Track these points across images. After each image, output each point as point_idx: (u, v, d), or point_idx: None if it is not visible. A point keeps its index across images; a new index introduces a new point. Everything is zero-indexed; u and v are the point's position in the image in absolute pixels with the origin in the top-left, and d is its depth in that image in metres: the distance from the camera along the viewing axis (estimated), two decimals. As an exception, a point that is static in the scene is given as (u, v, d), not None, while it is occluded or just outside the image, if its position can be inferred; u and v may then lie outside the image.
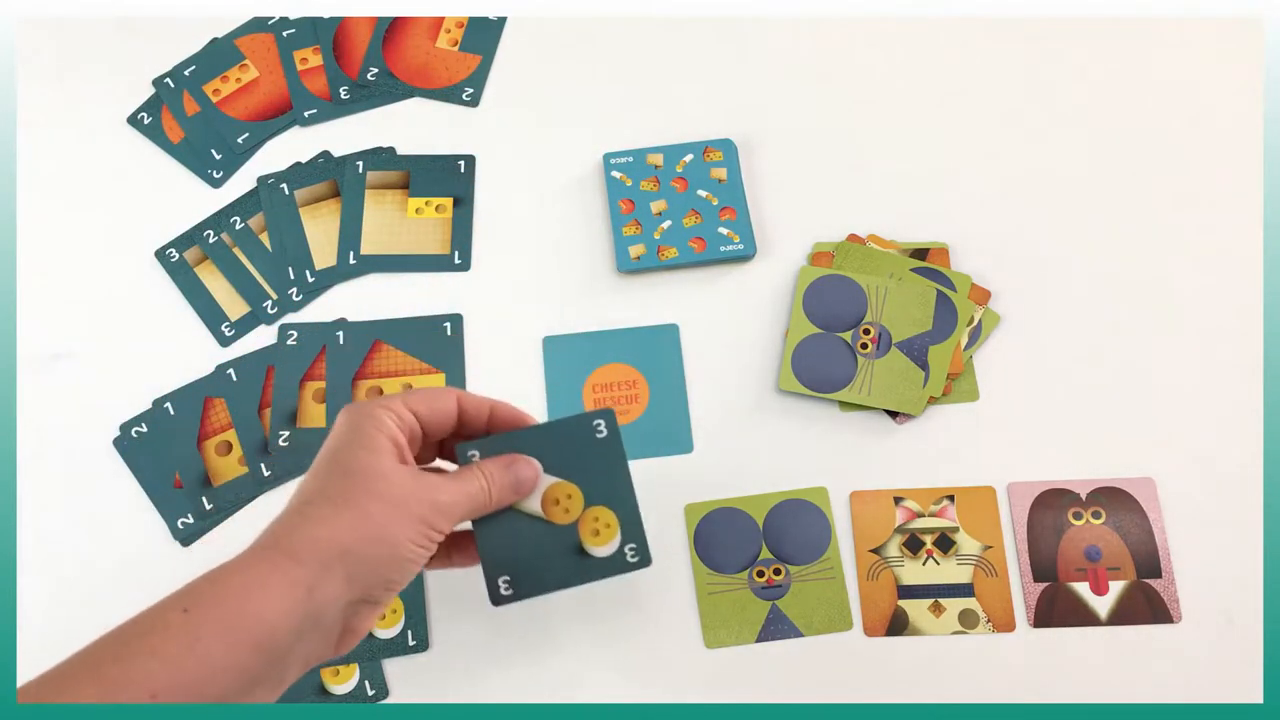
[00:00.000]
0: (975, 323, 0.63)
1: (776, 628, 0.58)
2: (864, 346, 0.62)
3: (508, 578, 0.46)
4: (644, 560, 0.48)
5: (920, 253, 0.65)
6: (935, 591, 0.58)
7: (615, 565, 0.47)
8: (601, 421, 0.48)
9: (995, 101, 0.69)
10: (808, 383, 0.62)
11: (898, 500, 0.60)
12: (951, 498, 0.60)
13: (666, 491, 0.61)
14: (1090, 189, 0.67)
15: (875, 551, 0.59)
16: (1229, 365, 0.62)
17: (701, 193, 0.67)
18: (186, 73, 0.73)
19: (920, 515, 0.60)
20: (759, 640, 0.58)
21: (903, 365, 0.62)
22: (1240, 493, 0.59)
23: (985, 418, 0.62)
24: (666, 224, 0.66)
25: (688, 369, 0.63)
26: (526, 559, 0.47)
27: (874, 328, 0.63)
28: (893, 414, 0.62)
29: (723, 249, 0.65)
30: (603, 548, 0.47)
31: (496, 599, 0.46)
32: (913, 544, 0.59)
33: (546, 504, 0.47)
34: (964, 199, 0.67)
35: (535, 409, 0.63)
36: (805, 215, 0.67)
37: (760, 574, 0.59)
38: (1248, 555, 0.58)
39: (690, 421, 0.62)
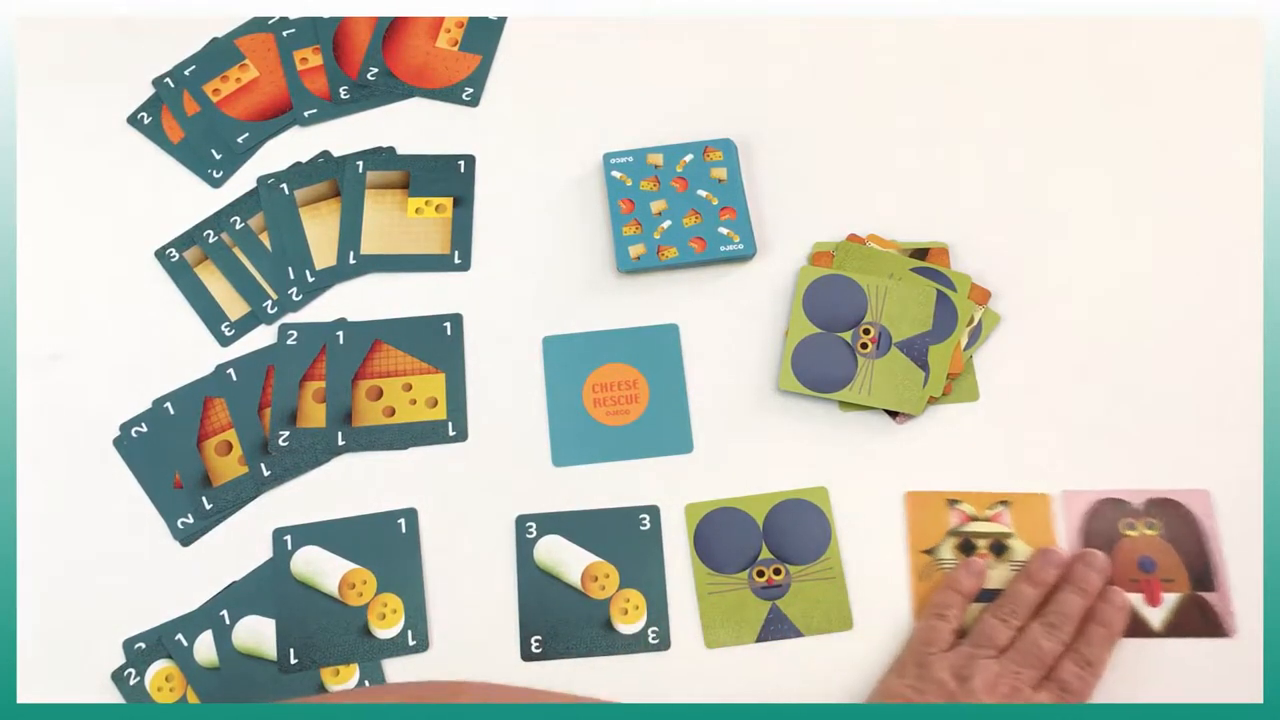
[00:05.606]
0: (975, 323, 0.63)
1: (776, 628, 0.58)
2: (864, 346, 0.62)
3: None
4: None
5: (920, 253, 0.65)
6: (986, 596, 0.57)
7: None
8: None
9: (995, 101, 0.69)
10: (808, 382, 0.62)
11: (952, 503, 0.60)
12: (1006, 503, 0.59)
13: (666, 491, 0.61)
14: (1090, 188, 0.67)
15: (928, 553, 0.59)
16: (1228, 366, 0.62)
17: (701, 193, 0.67)
18: (186, 72, 0.73)
19: (974, 519, 0.59)
20: (759, 640, 0.58)
21: (903, 365, 0.62)
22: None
23: (985, 418, 0.61)
24: (666, 224, 0.66)
25: (688, 369, 0.63)
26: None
27: (874, 328, 0.63)
28: (893, 414, 0.62)
29: (723, 249, 0.65)
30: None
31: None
32: (966, 547, 0.59)
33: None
34: (964, 199, 0.67)
35: (535, 409, 0.63)
36: (805, 215, 0.67)
37: (760, 574, 0.59)
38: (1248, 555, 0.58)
39: (690, 421, 0.62)
